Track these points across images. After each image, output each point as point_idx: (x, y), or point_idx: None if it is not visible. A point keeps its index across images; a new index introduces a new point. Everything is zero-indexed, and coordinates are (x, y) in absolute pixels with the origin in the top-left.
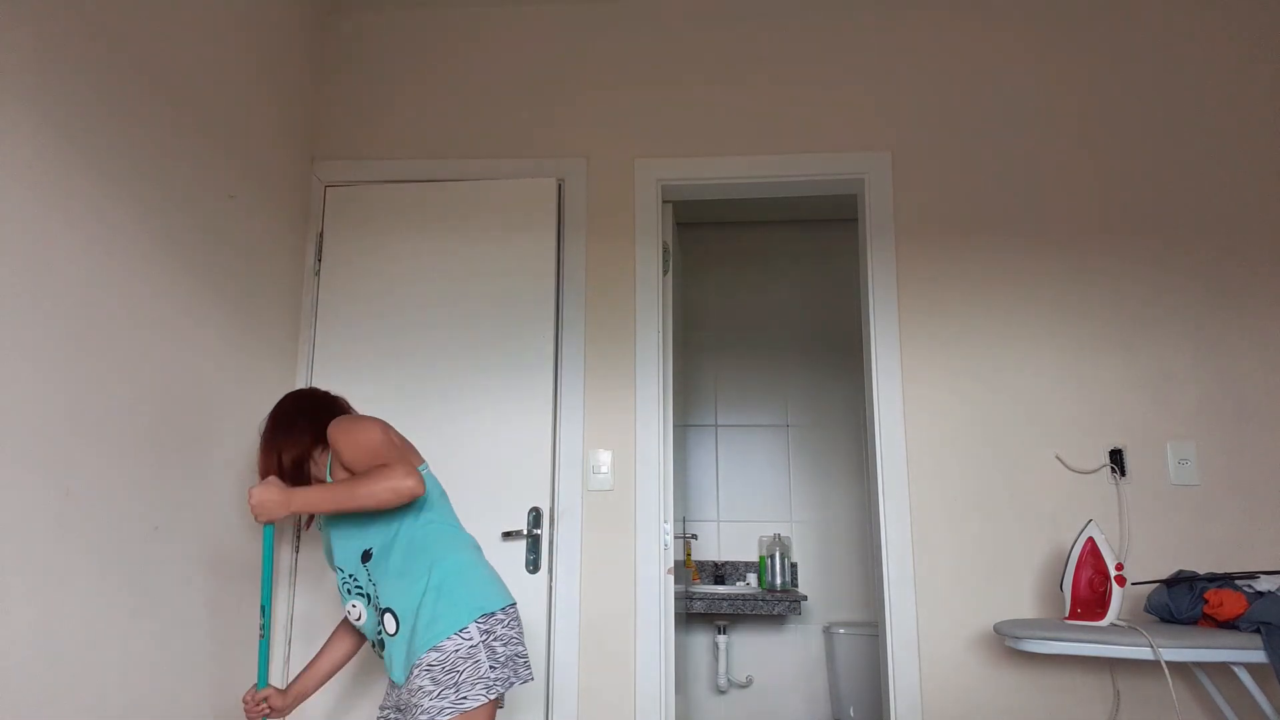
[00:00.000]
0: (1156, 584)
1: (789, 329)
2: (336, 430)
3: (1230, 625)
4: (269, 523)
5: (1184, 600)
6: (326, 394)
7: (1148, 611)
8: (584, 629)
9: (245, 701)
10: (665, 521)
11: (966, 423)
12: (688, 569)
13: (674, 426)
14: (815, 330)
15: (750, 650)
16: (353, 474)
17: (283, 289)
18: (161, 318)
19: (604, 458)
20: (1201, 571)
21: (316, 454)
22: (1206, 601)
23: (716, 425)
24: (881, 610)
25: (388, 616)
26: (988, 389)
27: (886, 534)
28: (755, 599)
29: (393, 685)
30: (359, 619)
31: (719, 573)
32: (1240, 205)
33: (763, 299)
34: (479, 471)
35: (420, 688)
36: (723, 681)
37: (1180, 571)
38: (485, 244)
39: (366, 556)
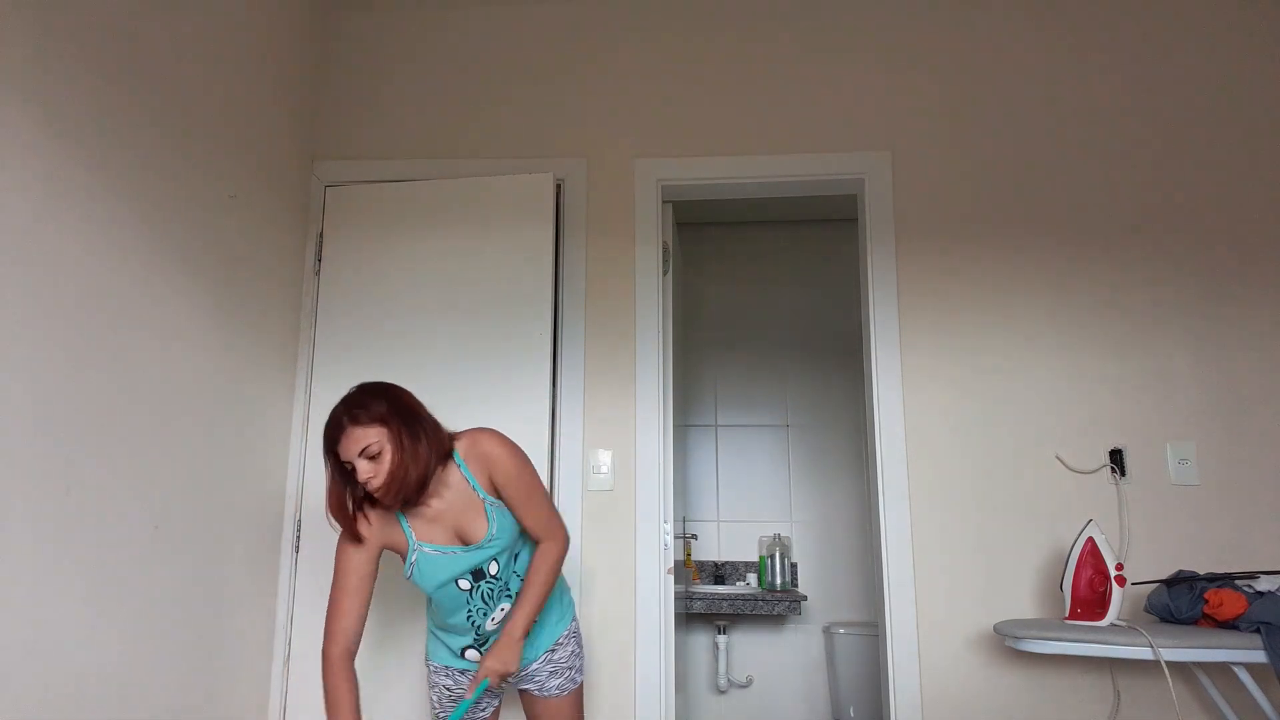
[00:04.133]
0: (1156, 584)
1: (789, 329)
2: (504, 448)
3: (1230, 625)
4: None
5: (1184, 600)
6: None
7: (1148, 611)
8: (584, 628)
9: None
10: (665, 521)
11: (966, 422)
12: (688, 569)
13: (674, 426)
14: (815, 330)
15: (750, 650)
16: (501, 496)
17: (283, 289)
18: (161, 317)
19: (604, 458)
20: (1201, 571)
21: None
22: (1206, 601)
23: (716, 425)
24: (881, 610)
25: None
26: (988, 389)
27: (886, 534)
28: (755, 599)
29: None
30: (499, 620)
31: (719, 573)
32: (1240, 205)
33: (763, 299)
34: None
35: (572, 652)
36: (723, 681)
37: (1180, 571)
38: (484, 242)
39: (514, 559)
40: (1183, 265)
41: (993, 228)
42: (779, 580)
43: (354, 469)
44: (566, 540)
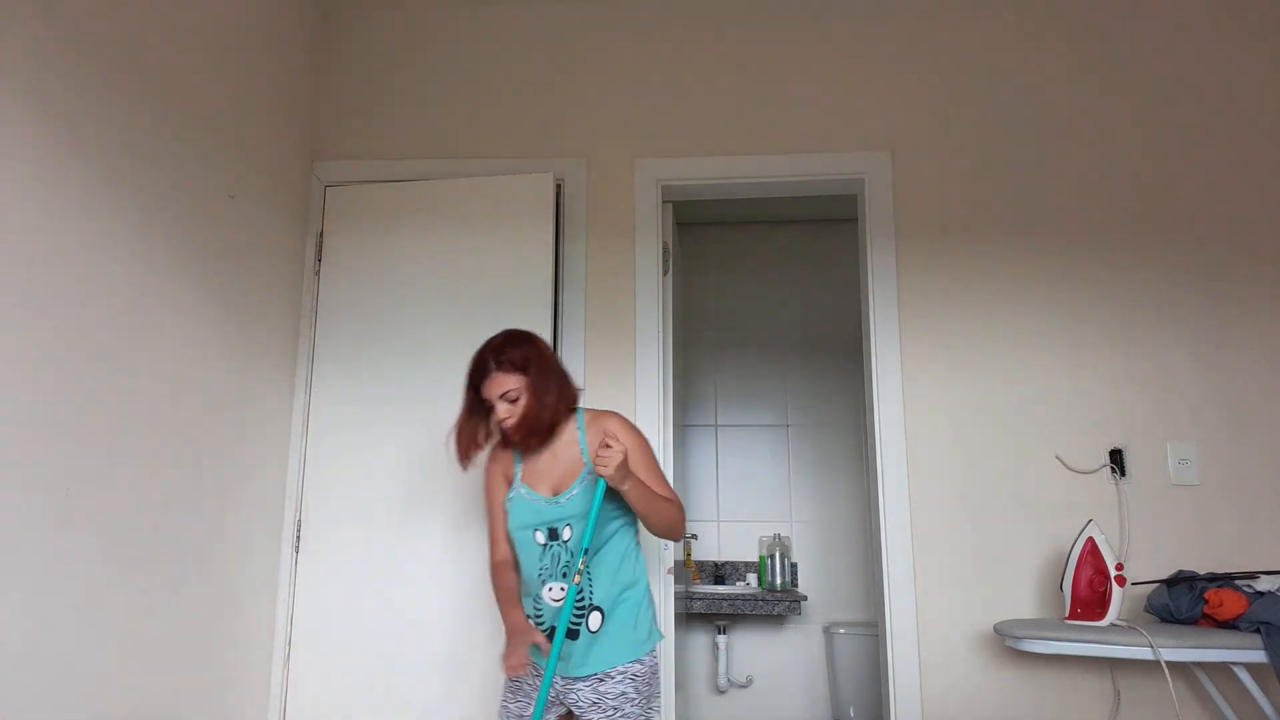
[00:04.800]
0: (1156, 584)
1: (789, 329)
2: (626, 426)
3: (1230, 625)
4: (607, 479)
5: (1184, 600)
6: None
7: (1148, 611)
8: None
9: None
10: None
11: (966, 422)
12: (688, 569)
13: (674, 426)
14: (815, 330)
15: (750, 650)
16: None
17: (283, 289)
18: (161, 318)
19: None
20: (1201, 571)
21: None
22: (1206, 601)
23: (716, 425)
24: (881, 610)
25: (594, 614)
26: (988, 388)
27: (886, 534)
28: (755, 599)
29: (530, 678)
30: (556, 602)
31: (719, 573)
32: (1240, 205)
33: (763, 299)
34: (478, 472)
35: (623, 693)
36: (723, 681)
37: (1180, 571)
38: (484, 242)
39: (594, 550)
40: (1183, 265)
41: (992, 227)
42: (779, 580)
43: (493, 408)
44: (681, 507)
